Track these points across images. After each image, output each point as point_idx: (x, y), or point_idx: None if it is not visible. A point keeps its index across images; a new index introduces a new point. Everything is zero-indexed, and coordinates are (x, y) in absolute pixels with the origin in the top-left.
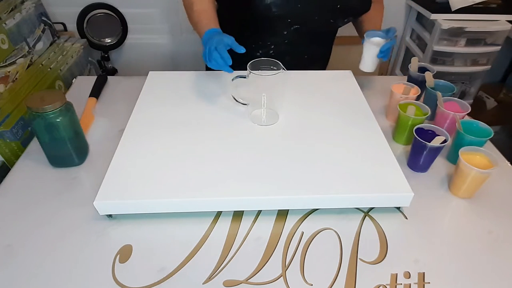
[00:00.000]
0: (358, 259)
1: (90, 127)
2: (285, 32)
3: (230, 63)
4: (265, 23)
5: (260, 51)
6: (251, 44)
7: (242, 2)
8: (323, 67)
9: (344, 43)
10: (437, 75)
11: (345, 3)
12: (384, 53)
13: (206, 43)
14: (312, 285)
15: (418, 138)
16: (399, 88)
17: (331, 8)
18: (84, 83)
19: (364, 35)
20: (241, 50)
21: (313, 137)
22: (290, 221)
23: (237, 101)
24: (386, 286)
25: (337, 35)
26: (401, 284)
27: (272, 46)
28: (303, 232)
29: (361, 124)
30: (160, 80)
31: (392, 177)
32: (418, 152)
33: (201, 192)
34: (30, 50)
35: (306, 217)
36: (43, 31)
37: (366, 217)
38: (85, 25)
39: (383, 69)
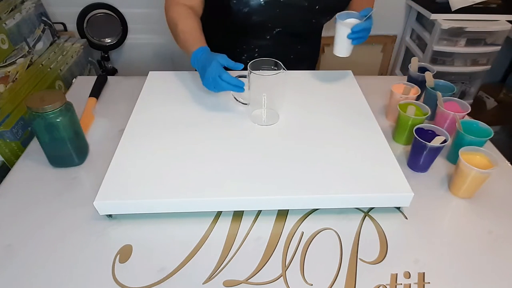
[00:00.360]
0: (358, 259)
1: (90, 127)
2: (268, 36)
3: (243, 85)
4: (247, 29)
5: (245, 55)
6: (236, 48)
7: (222, 12)
8: (312, 66)
9: None
10: (437, 75)
11: (324, 3)
12: (357, 35)
13: (203, 69)
14: (312, 285)
15: (418, 138)
16: (399, 88)
17: (311, 10)
18: (84, 83)
19: (336, 16)
20: (239, 67)
21: (313, 137)
22: (290, 221)
23: (237, 100)
24: (386, 286)
25: None
26: (401, 284)
27: (257, 49)
28: (303, 232)
29: (361, 124)
30: (160, 80)
31: (392, 177)
32: (418, 152)
33: (201, 192)
34: (30, 50)
35: (306, 217)
36: (43, 31)
37: (366, 217)
38: (85, 25)
39: (383, 69)
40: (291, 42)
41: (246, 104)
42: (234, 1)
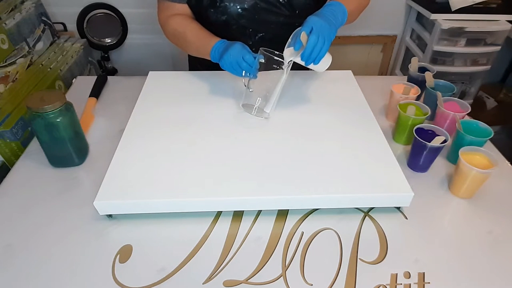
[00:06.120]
0: (358, 259)
1: (90, 127)
2: (251, 42)
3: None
4: (228, 36)
5: None
6: None
7: (203, 21)
8: (305, 67)
9: (342, 43)
10: (437, 75)
11: (302, 6)
12: (310, 59)
13: (224, 52)
14: (312, 285)
15: (418, 138)
16: (399, 88)
17: (291, 15)
18: (84, 83)
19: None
20: (260, 58)
21: (313, 137)
22: (290, 221)
23: (246, 86)
24: (386, 286)
25: (336, 35)
26: (401, 284)
27: None
28: (303, 232)
29: (361, 124)
30: (160, 80)
31: (392, 177)
32: (418, 152)
33: (201, 192)
34: (30, 50)
35: (306, 217)
36: (43, 31)
37: (366, 217)
38: (85, 25)
39: (383, 69)
40: (276, 46)
41: (251, 91)
42: (212, 10)
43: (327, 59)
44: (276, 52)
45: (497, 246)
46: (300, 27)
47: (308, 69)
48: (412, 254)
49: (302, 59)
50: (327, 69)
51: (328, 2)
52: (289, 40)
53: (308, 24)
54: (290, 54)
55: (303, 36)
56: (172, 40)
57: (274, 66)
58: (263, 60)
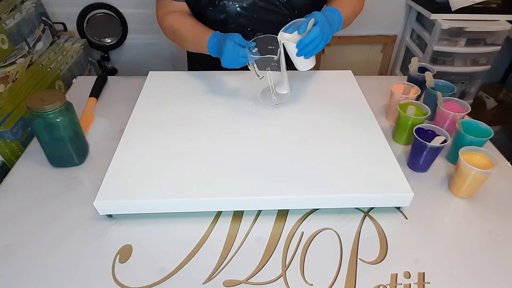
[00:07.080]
0: (358, 259)
1: (90, 127)
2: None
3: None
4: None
5: None
6: None
7: (202, 19)
8: None
9: (342, 43)
10: (437, 75)
11: (301, 7)
12: (305, 50)
13: (220, 51)
14: (312, 285)
15: (418, 138)
16: (399, 88)
17: (290, 14)
18: (84, 83)
19: (281, 31)
20: (252, 45)
21: (313, 137)
22: (290, 221)
23: (256, 73)
24: (386, 286)
25: (336, 35)
26: (401, 284)
27: None
28: (303, 232)
29: (361, 124)
30: (160, 80)
31: (392, 177)
32: (418, 152)
33: (201, 192)
34: (30, 50)
35: (306, 217)
36: (43, 31)
37: (366, 217)
38: (85, 25)
39: (383, 69)
40: None
41: (261, 77)
42: (210, 8)
43: (313, 60)
44: (260, 35)
45: (497, 246)
46: (302, 18)
47: (292, 67)
48: (412, 254)
49: (297, 46)
50: (328, 69)
51: (327, 7)
52: (287, 25)
53: (314, 18)
54: (283, 37)
55: (310, 25)
56: (170, 37)
57: (269, 47)
58: (256, 49)
